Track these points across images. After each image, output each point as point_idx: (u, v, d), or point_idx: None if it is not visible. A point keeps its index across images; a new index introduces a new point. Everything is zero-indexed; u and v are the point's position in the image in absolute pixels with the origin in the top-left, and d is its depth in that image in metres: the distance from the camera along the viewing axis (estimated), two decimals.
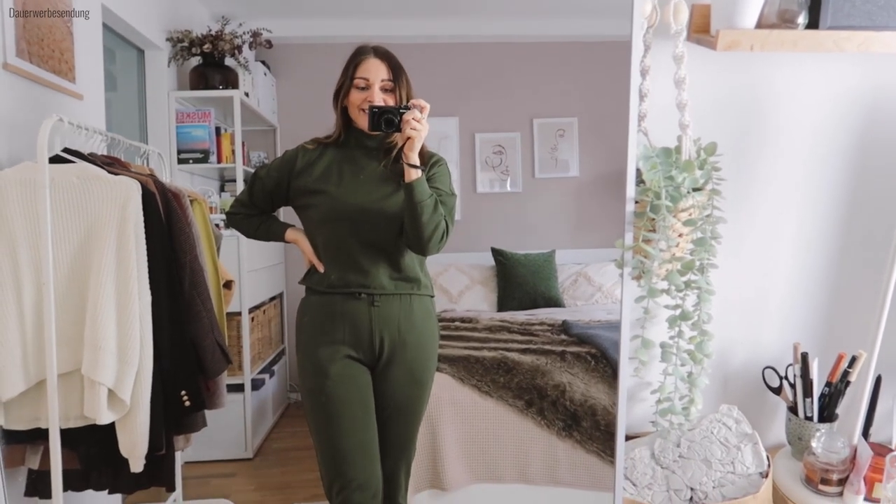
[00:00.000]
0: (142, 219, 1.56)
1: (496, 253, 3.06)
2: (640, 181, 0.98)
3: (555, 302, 2.96)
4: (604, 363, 2.26)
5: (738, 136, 1.25)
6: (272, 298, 2.99)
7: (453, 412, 2.13)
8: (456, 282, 3.04)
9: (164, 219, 1.65)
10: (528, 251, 3.05)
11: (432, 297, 1.44)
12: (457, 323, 2.72)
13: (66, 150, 1.58)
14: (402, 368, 1.36)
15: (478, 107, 3.12)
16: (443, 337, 2.54)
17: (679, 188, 0.94)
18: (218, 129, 2.61)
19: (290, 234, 1.45)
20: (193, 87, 2.54)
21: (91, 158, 1.64)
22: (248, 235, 1.56)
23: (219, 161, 2.62)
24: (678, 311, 1.05)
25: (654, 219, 0.94)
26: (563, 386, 2.16)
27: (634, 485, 1.12)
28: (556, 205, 3.21)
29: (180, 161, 2.54)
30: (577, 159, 3.18)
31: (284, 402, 3.13)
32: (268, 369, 2.86)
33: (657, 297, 1.00)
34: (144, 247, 1.56)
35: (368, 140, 1.35)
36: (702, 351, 1.05)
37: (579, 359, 2.29)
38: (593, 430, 2.13)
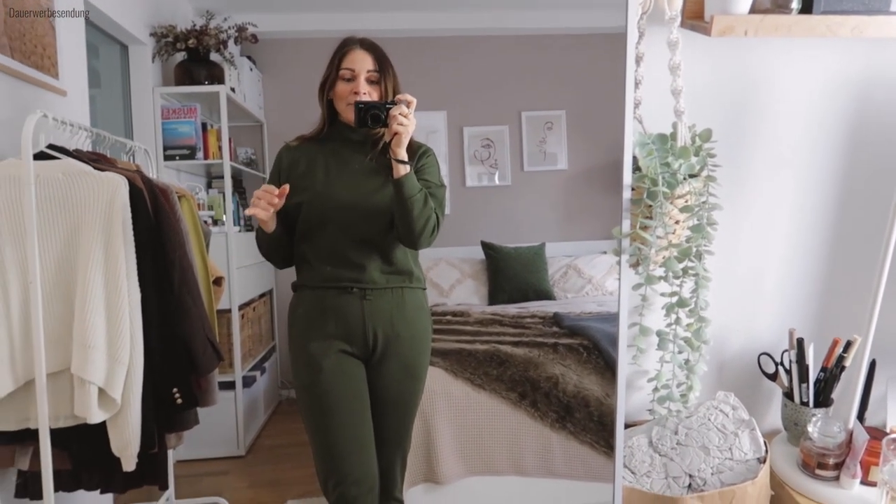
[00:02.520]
0: (129, 215, 1.53)
1: (486, 247, 3.06)
2: (635, 168, 0.97)
3: (545, 294, 2.96)
4: (596, 354, 2.26)
5: (733, 122, 1.25)
6: (262, 295, 2.97)
7: (447, 405, 2.12)
8: (447, 276, 3.03)
9: (152, 215, 1.62)
10: (518, 244, 3.05)
11: (424, 289, 1.42)
12: (448, 317, 2.71)
13: (50, 147, 1.55)
14: (395, 362, 1.34)
15: (466, 100, 3.11)
16: (435, 331, 2.52)
17: (675, 174, 0.93)
18: (204, 125, 2.57)
19: None
20: (178, 82, 2.50)
21: (76, 155, 1.61)
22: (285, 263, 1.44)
23: (205, 157, 2.58)
24: (675, 299, 1.05)
25: (650, 205, 0.93)
26: (556, 378, 2.15)
27: (633, 473, 1.11)
28: (545, 198, 3.20)
29: (166, 158, 2.50)
30: (565, 152, 3.17)
31: (276, 399, 3.10)
32: (259, 366, 2.84)
33: (655, 283, 0.99)
34: (133, 243, 1.54)
35: (354, 133, 1.32)
36: (699, 338, 1.05)
37: (572, 350, 2.28)
38: (587, 421, 2.13)
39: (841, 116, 1.28)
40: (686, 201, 0.96)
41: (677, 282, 1.03)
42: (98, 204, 1.52)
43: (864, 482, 1.10)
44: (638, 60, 1.00)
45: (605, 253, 3.10)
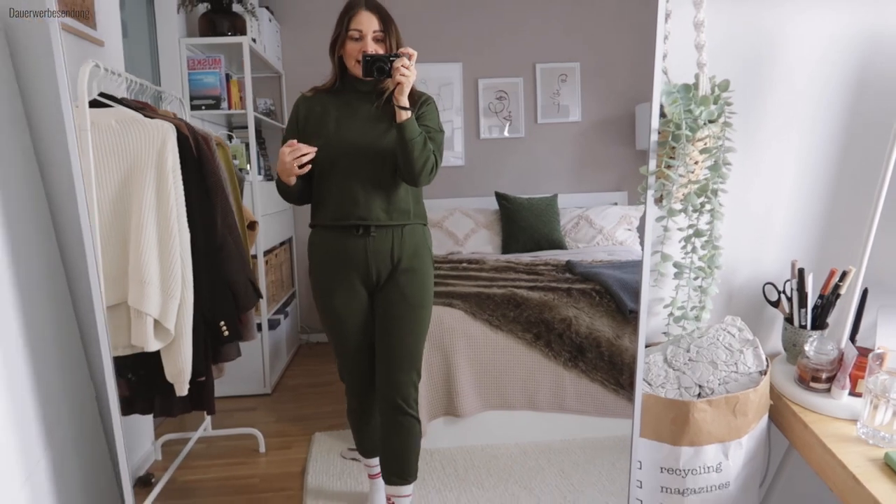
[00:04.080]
0: (178, 160, 1.67)
1: (500, 197, 3.20)
2: (662, 115, 1.12)
3: (557, 244, 3.12)
4: (608, 299, 2.42)
5: (750, 74, 1.39)
6: (282, 243, 3.13)
7: (466, 344, 2.29)
8: (461, 225, 3.18)
9: (197, 161, 1.76)
10: (531, 195, 3.19)
11: (425, 224, 1.65)
12: (464, 264, 2.87)
13: (101, 95, 1.68)
14: (396, 292, 1.58)
15: (481, 52, 3.21)
16: (452, 276, 2.72)
17: (696, 120, 1.08)
18: (227, 76, 2.69)
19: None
20: (203, 33, 2.61)
21: (125, 103, 1.74)
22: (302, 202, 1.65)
23: (229, 107, 2.71)
24: (692, 230, 1.21)
25: (674, 147, 1.09)
26: (570, 320, 2.33)
27: (650, 384, 1.29)
28: (557, 150, 3.33)
29: (193, 107, 2.62)
30: (578, 104, 3.29)
31: (297, 342, 3.29)
32: (282, 310, 3.02)
33: (676, 216, 1.15)
34: (182, 187, 1.68)
35: (362, 85, 1.52)
36: (712, 264, 1.22)
37: (584, 294, 2.45)
38: (598, 360, 2.31)
39: (847, 70, 1.41)
40: (705, 144, 1.12)
41: (695, 215, 1.19)
42: (150, 150, 1.66)
43: (852, 393, 1.28)
44: (667, 17, 1.13)
45: (615, 204, 3.25)
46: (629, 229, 3.10)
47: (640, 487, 1.33)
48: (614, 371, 2.33)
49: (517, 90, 3.28)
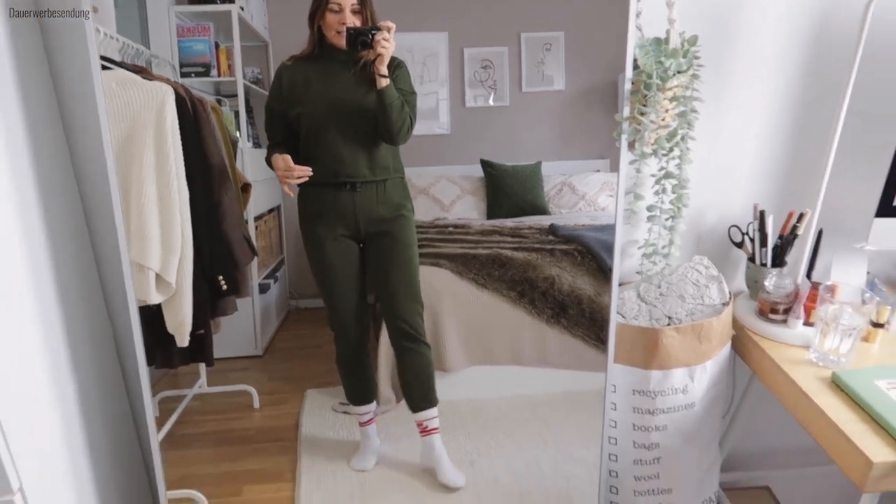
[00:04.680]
0: (177, 121, 1.77)
1: (485, 164, 3.32)
2: (635, 66, 1.25)
3: (541, 210, 3.24)
4: (589, 258, 2.56)
5: (717, 29, 1.50)
6: (271, 210, 3.22)
7: (453, 303, 2.42)
8: (447, 192, 3.30)
9: (193, 123, 1.86)
10: (516, 163, 3.31)
11: (402, 178, 1.86)
12: (450, 228, 2.99)
13: (101, 58, 1.76)
14: (386, 237, 1.81)
15: (467, 22, 3.30)
16: (439, 239, 2.84)
17: (667, 71, 1.21)
18: (216, 44, 2.77)
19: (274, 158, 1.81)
20: (192, 1, 2.68)
21: (124, 66, 1.84)
22: None
23: (218, 75, 2.79)
24: (663, 172, 1.35)
25: (646, 95, 1.22)
26: (553, 278, 2.47)
27: (624, 317, 1.44)
28: (542, 118, 3.44)
29: (182, 75, 2.70)
30: (562, 73, 3.40)
31: (286, 307, 3.41)
32: (271, 276, 3.13)
33: (647, 158, 1.29)
34: (181, 148, 1.78)
35: (340, 54, 1.68)
36: (680, 203, 1.36)
37: (567, 255, 2.59)
38: (579, 317, 2.46)
39: (806, 27, 1.53)
40: (674, 93, 1.25)
41: (665, 159, 1.33)
42: (149, 110, 1.76)
43: (806, 323, 1.43)
44: None
45: (598, 171, 3.38)
46: (611, 195, 3.23)
47: (615, 409, 1.48)
48: (595, 327, 2.48)
49: (502, 59, 3.38)
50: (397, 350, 1.92)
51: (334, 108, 1.69)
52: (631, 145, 1.26)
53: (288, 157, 1.69)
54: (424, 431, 1.98)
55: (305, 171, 1.68)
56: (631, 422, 1.48)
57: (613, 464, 1.55)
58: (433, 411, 1.98)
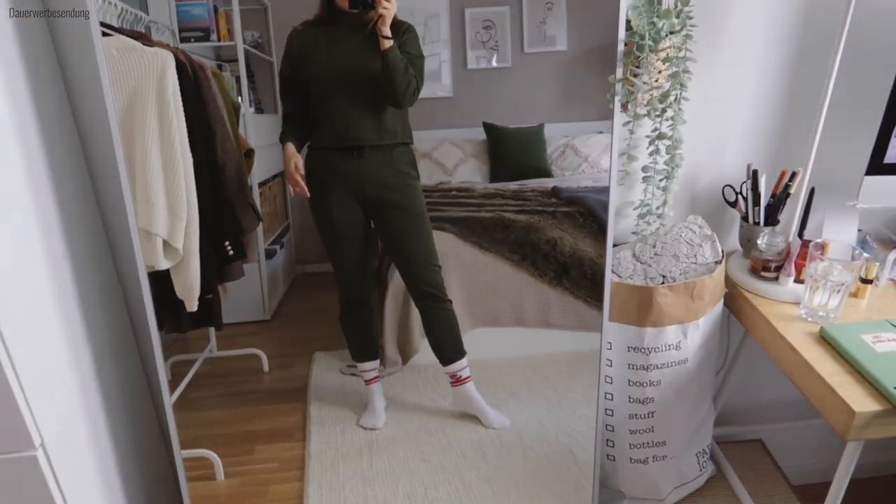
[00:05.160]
0: (178, 87, 1.81)
1: (487, 127, 3.33)
2: (628, 28, 1.28)
3: (544, 172, 3.26)
4: (591, 220, 2.59)
5: None
6: (275, 176, 3.26)
7: (457, 266, 2.47)
8: (450, 156, 3.32)
9: (195, 88, 1.90)
10: (518, 125, 3.32)
11: (409, 144, 1.94)
12: (454, 192, 3.02)
13: (101, 24, 1.79)
14: (395, 208, 1.89)
15: None
16: (443, 203, 2.88)
17: (659, 32, 1.24)
18: (215, 8, 2.77)
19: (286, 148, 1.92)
20: None
21: (124, 32, 1.87)
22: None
23: (218, 39, 2.80)
24: (656, 133, 1.39)
25: (639, 56, 1.25)
26: (555, 240, 2.51)
27: (619, 276, 1.49)
28: (544, 79, 3.44)
29: (182, 40, 2.72)
30: (565, 33, 3.38)
31: (292, 273, 3.47)
32: (277, 241, 3.18)
33: (640, 120, 1.33)
34: (182, 113, 1.82)
35: (348, 17, 1.72)
36: (673, 162, 1.39)
37: (569, 217, 2.62)
38: (581, 278, 2.51)
39: None
40: (667, 54, 1.28)
41: (658, 119, 1.36)
42: (150, 77, 1.79)
43: (797, 280, 1.48)
44: None
45: (601, 133, 3.39)
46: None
47: (611, 366, 1.54)
48: (596, 288, 2.50)
49: (504, 19, 3.37)
50: (423, 310, 2.04)
51: (342, 72, 1.74)
52: (624, 107, 1.29)
53: (300, 160, 1.81)
54: (458, 381, 2.11)
55: (302, 189, 1.82)
56: (626, 377, 1.54)
57: (609, 418, 1.62)
58: (463, 361, 2.12)
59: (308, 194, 1.84)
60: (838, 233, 1.47)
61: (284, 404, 2.29)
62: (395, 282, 2.15)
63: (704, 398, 1.68)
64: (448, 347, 2.09)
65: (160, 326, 2.03)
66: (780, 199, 1.54)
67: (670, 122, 1.37)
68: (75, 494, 1.34)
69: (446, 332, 2.08)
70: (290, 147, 1.83)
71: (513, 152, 3.37)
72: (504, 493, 1.89)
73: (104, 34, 1.77)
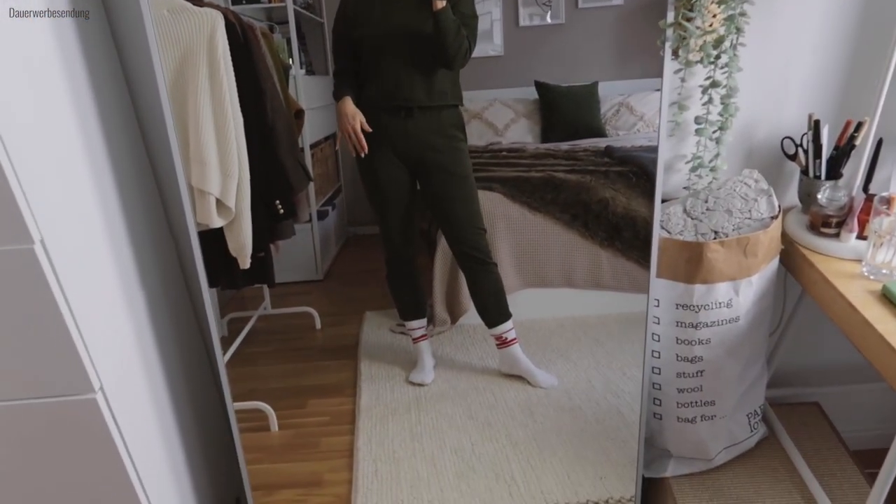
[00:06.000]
0: (227, 46, 1.83)
1: (539, 86, 3.26)
2: None
3: (597, 132, 3.18)
4: (644, 179, 2.52)
5: None
6: (326, 138, 3.29)
7: (506, 226, 2.46)
8: (501, 116, 3.27)
9: (244, 48, 1.91)
10: (572, 83, 3.24)
11: (457, 105, 1.95)
12: (504, 153, 2.98)
13: None
14: (436, 167, 1.89)
15: None
16: (492, 164, 2.85)
17: None
18: None
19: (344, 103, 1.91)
20: None
21: None
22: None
23: (269, 1, 2.81)
24: (709, 81, 1.32)
25: (691, 0, 1.19)
26: (606, 200, 2.45)
27: (669, 232, 1.45)
28: (599, 35, 3.33)
29: (233, 2, 2.74)
30: None
31: (344, 234, 3.52)
32: (329, 202, 3.22)
33: (692, 66, 1.27)
34: (233, 73, 1.84)
35: None
36: (728, 112, 1.33)
37: (621, 176, 2.56)
38: (633, 239, 2.45)
39: None
40: None
41: (712, 67, 1.30)
42: (201, 36, 1.81)
43: (859, 237, 1.41)
44: None
45: (658, 91, 3.28)
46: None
47: (658, 323, 1.51)
48: (649, 249, 2.47)
49: None
50: (467, 273, 2.04)
51: (395, 31, 1.73)
52: (675, 53, 1.24)
53: (362, 117, 1.80)
54: (504, 343, 2.12)
55: (363, 147, 1.81)
56: (674, 335, 1.50)
57: (656, 376, 1.59)
58: (509, 323, 2.12)
59: (366, 152, 1.84)
60: None
61: (336, 361, 2.34)
62: (444, 243, 2.15)
63: (757, 358, 1.63)
64: (493, 310, 2.10)
65: (215, 283, 2.10)
66: (843, 151, 1.45)
67: (725, 69, 1.30)
68: (134, 437, 1.41)
69: (492, 296, 2.09)
70: (350, 103, 1.84)
71: (565, 112, 3.30)
72: (550, 451, 1.90)
73: None
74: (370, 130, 1.81)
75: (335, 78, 1.92)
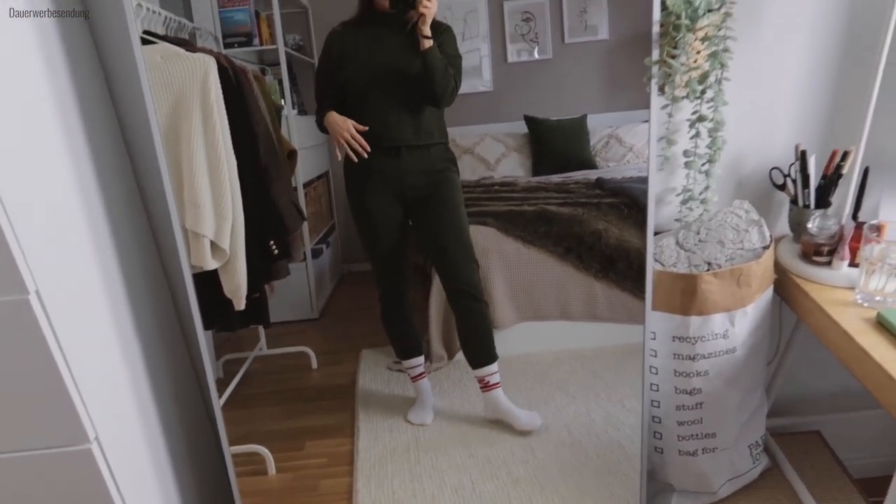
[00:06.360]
0: (220, 91, 1.85)
1: (529, 120, 3.31)
2: (664, 7, 1.25)
3: (587, 164, 3.22)
4: (636, 210, 2.54)
5: None
6: (319, 177, 3.31)
7: (500, 260, 2.47)
8: (492, 150, 3.31)
9: (237, 91, 1.94)
10: (561, 117, 3.28)
11: (446, 143, 1.96)
12: (496, 187, 3.01)
13: (146, 33, 1.85)
14: (433, 200, 1.91)
15: None
16: (485, 198, 2.87)
17: (696, 10, 1.21)
18: (257, 13, 2.83)
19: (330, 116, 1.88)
20: None
21: (167, 39, 1.92)
22: None
23: (260, 44, 2.86)
24: (696, 116, 1.35)
25: (675, 37, 1.22)
26: (599, 232, 2.47)
27: (662, 265, 1.46)
28: (586, 69, 3.39)
29: (226, 45, 2.78)
30: (606, 22, 3.33)
31: (339, 272, 3.52)
32: (323, 241, 3.23)
33: (679, 102, 1.29)
34: (226, 116, 1.87)
35: (387, 18, 1.74)
36: (716, 145, 1.35)
37: (613, 208, 2.58)
38: (627, 270, 2.46)
39: None
40: (705, 33, 1.24)
41: (698, 101, 1.33)
42: (194, 81, 1.84)
43: (851, 264, 1.42)
44: None
45: (646, 122, 3.32)
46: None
47: (655, 356, 1.51)
48: (643, 280, 2.48)
49: (543, 11, 3.33)
50: (456, 309, 2.02)
51: (381, 72, 1.75)
52: (661, 89, 1.26)
53: (349, 120, 1.78)
54: (486, 387, 2.08)
55: (364, 146, 1.77)
56: (672, 368, 1.50)
57: (656, 409, 1.59)
58: (493, 367, 2.07)
59: (368, 150, 1.80)
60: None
61: (333, 401, 2.32)
62: (439, 278, 2.15)
63: (755, 388, 1.63)
64: (478, 351, 2.07)
65: (210, 326, 2.09)
66: (831, 180, 1.47)
67: (711, 103, 1.33)
68: (129, 486, 1.39)
69: (479, 335, 2.07)
70: (336, 114, 1.84)
71: (555, 145, 3.33)
72: (552, 487, 1.87)
73: (149, 42, 1.84)
74: (365, 129, 1.79)
75: (318, 113, 1.92)
